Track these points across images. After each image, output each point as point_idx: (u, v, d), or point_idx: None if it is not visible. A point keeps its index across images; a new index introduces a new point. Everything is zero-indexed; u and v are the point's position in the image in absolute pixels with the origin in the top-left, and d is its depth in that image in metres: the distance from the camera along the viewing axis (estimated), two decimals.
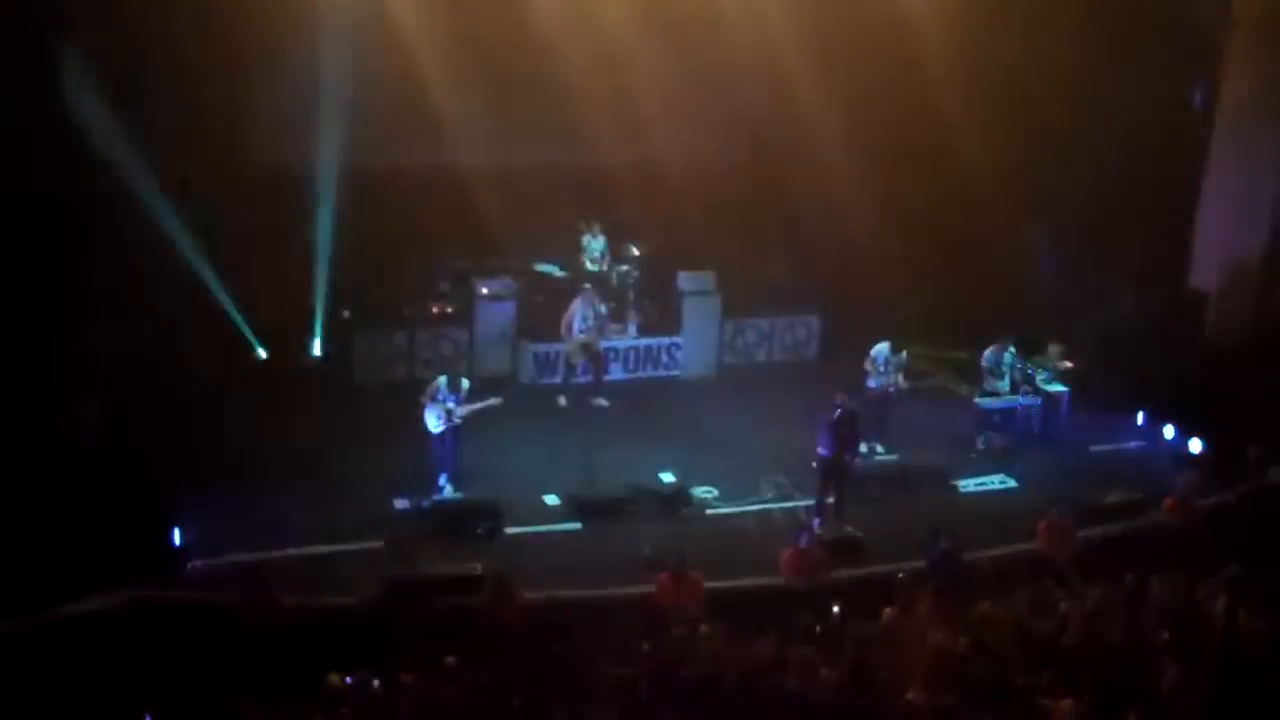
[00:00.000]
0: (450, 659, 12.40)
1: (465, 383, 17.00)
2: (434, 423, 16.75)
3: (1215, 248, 20.83)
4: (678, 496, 17.17)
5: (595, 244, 21.12)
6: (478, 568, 15.01)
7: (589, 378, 19.99)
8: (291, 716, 11.81)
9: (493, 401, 17.05)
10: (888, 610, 13.72)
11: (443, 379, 16.89)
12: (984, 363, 19.29)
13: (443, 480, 16.86)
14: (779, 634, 13.12)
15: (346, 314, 19.95)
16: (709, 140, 22.78)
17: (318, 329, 19.53)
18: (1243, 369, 19.71)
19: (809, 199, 21.96)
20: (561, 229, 21.32)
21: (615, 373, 20.71)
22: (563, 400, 19.88)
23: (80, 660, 13.39)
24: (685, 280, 21.59)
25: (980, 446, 19.11)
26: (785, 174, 22.14)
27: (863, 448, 18.25)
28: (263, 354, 19.11)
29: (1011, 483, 18.53)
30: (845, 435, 16.74)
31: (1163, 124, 21.16)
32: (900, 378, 18.83)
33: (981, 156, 21.27)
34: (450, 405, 16.71)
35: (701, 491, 17.44)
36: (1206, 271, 20.85)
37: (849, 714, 11.67)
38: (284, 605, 13.97)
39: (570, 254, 21.25)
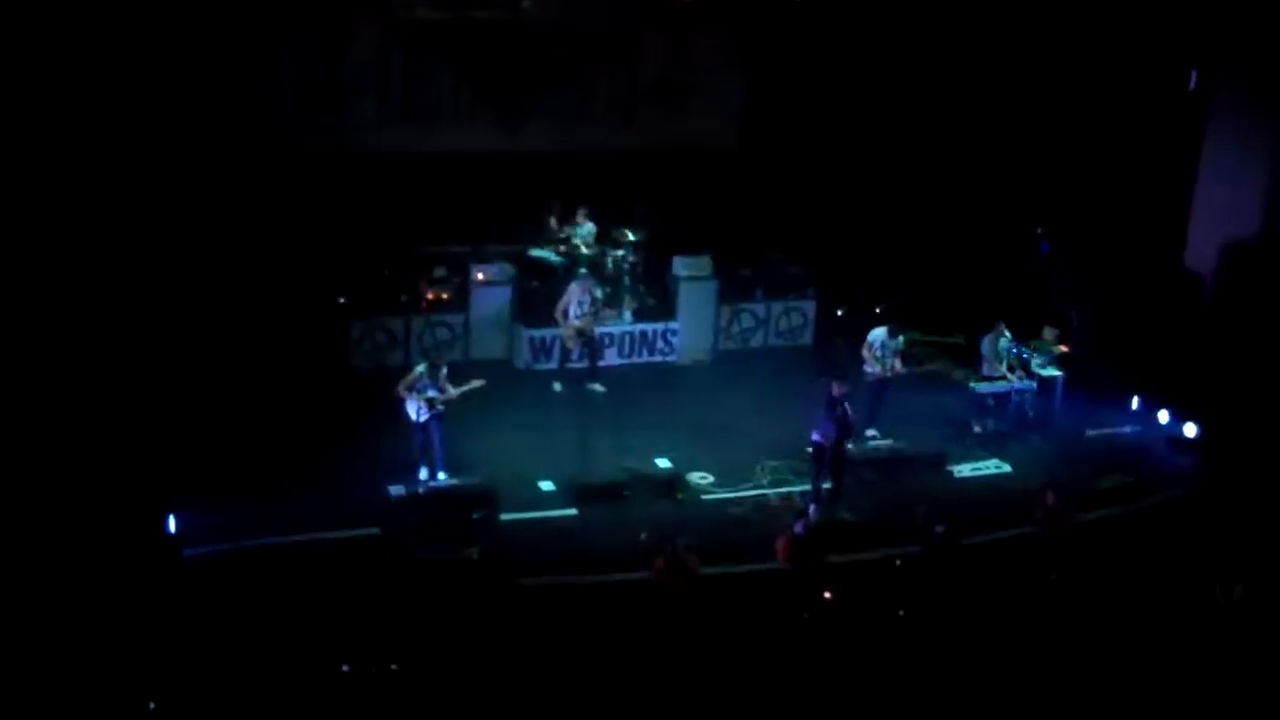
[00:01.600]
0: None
1: (444, 367, 16.95)
2: (415, 411, 16.73)
3: (1211, 230, 20.81)
4: (674, 482, 17.16)
5: (582, 230, 21.09)
6: (474, 553, 15.05)
7: (585, 363, 19.97)
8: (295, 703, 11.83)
9: (476, 384, 17.01)
10: None
11: (421, 367, 16.85)
12: (982, 349, 19.28)
13: (423, 470, 16.82)
14: None
15: (342, 300, 19.91)
16: (707, 125, 22.78)
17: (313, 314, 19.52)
18: (1239, 351, 19.70)
19: (806, 182, 21.97)
20: (555, 214, 21.32)
21: (611, 358, 20.68)
22: (558, 386, 19.87)
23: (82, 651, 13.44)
24: (681, 265, 21.58)
25: (976, 431, 19.12)
26: (783, 157, 22.15)
27: (870, 432, 18.36)
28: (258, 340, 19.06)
29: (1007, 467, 18.55)
30: (841, 421, 16.75)
31: (1158, 106, 21.18)
32: (897, 363, 18.82)
33: (978, 140, 21.34)
34: (431, 394, 16.66)
35: (697, 477, 17.44)
36: (1202, 253, 20.83)
37: None
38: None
39: (563, 239, 21.23)
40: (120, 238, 17.77)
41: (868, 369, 18.64)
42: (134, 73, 17.73)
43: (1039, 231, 23.04)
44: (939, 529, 15.46)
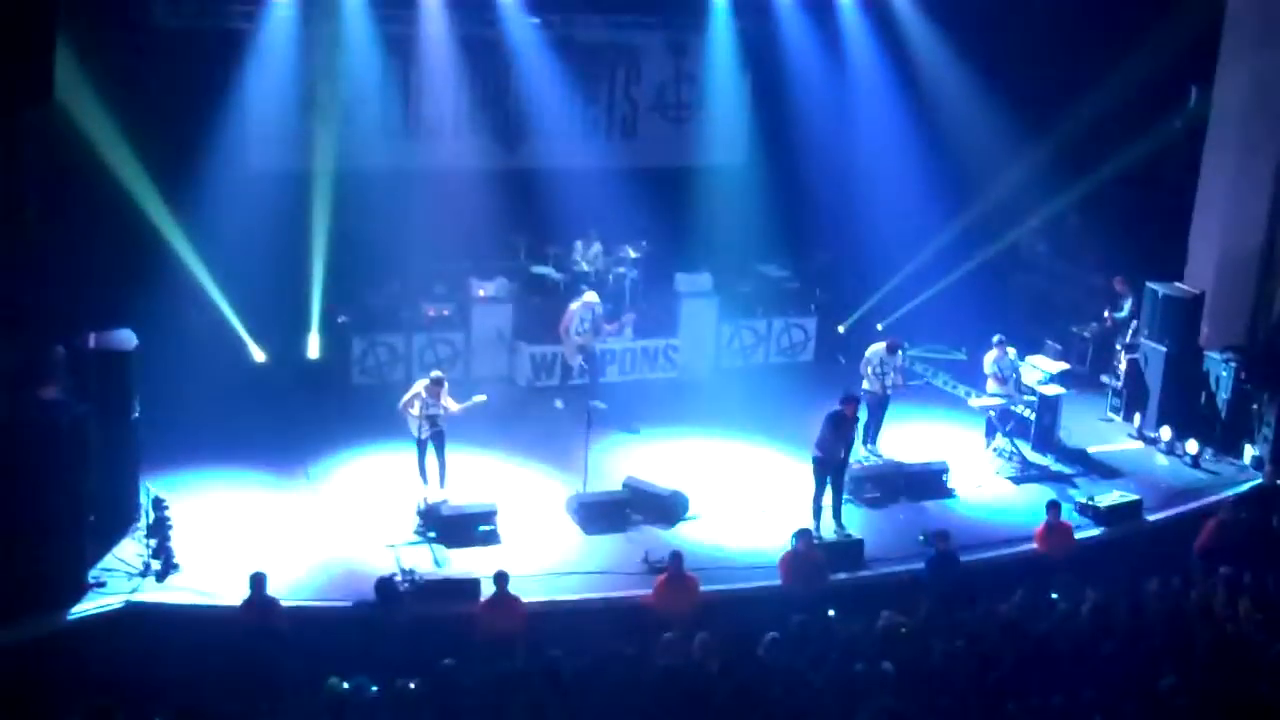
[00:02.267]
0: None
1: (445, 383, 16.94)
2: (417, 428, 16.72)
3: (1211, 247, 20.80)
4: (675, 499, 17.13)
5: (589, 252, 21.15)
6: (475, 572, 15.03)
7: (586, 379, 19.95)
8: None
9: (478, 400, 17.01)
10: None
11: (421, 384, 16.86)
12: (987, 367, 19.24)
13: (424, 488, 16.79)
14: None
15: (343, 319, 19.92)
16: (706, 140, 22.79)
17: (315, 330, 19.48)
18: (1240, 368, 19.68)
19: (809, 198, 21.98)
20: (559, 231, 21.30)
21: (612, 374, 20.66)
22: (560, 403, 19.86)
23: (79, 664, 13.42)
24: (683, 282, 21.59)
25: (982, 448, 19.12)
26: (786, 172, 22.14)
27: (871, 449, 18.38)
28: (260, 356, 19.06)
29: (1008, 484, 18.54)
30: (846, 438, 16.72)
31: (1159, 122, 21.18)
32: (897, 379, 18.80)
33: (978, 157, 21.33)
34: (432, 411, 16.66)
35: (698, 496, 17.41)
36: (1203, 270, 20.83)
37: None
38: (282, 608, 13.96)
39: (566, 256, 21.25)
40: (119, 249, 17.77)
41: (867, 385, 18.61)
42: (132, 86, 17.75)
43: (1041, 249, 22.92)
44: (940, 546, 15.46)
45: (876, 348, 18.82)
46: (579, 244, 21.18)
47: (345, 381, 19.74)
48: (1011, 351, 19.29)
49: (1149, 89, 20.64)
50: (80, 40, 16.54)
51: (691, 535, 16.56)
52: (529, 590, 14.70)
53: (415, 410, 16.64)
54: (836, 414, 16.70)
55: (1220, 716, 11.95)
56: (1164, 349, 19.89)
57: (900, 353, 18.94)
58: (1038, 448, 19.17)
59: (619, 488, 17.19)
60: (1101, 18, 21.26)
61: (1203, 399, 19.88)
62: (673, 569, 14.73)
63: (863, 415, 17.76)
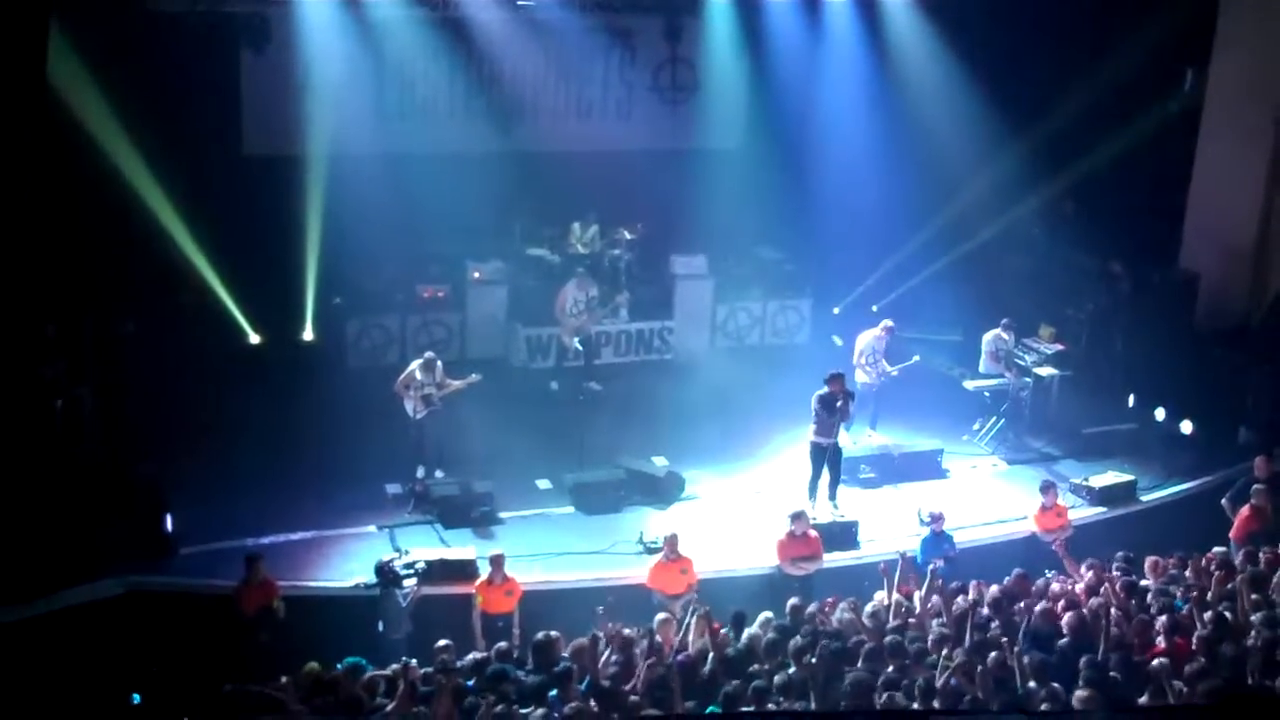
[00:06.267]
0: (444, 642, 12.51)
1: (439, 364, 16.96)
2: (412, 409, 16.71)
3: (1207, 229, 20.82)
4: (671, 480, 17.16)
5: (586, 234, 21.13)
6: (473, 552, 15.06)
7: (581, 361, 19.94)
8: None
9: (472, 379, 17.01)
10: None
11: (416, 364, 16.86)
12: (985, 345, 19.23)
13: (420, 469, 16.83)
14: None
15: (338, 300, 19.91)
16: (703, 122, 22.74)
17: (310, 312, 19.47)
18: (1234, 350, 19.71)
19: (804, 180, 21.94)
20: (554, 213, 21.27)
21: (607, 356, 20.66)
22: (555, 384, 19.86)
23: (77, 648, 13.43)
24: (678, 263, 21.58)
25: (974, 429, 19.15)
26: (781, 155, 22.10)
27: (869, 431, 18.40)
28: (255, 338, 19.04)
29: (1003, 465, 18.57)
30: (840, 415, 16.68)
31: (1154, 105, 21.18)
32: (885, 365, 18.71)
33: (974, 141, 21.31)
34: (428, 391, 16.67)
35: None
36: (1199, 252, 20.85)
37: None
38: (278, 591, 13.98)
39: (562, 238, 21.22)
40: (114, 234, 17.75)
41: (863, 379, 18.47)
42: (127, 70, 17.72)
43: (1036, 232, 22.92)
44: (936, 528, 15.50)
45: (865, 337, 18.72)
46: (576, 226, 21.13)
47: (340, 363, 19.72)
48: (1009, 338, 19.28)
49: (1144, 72, 20.61)
50: (75, 24, 16.55)
51: (687, 516, 16.59)
52: (525, 570, 14.73)
53: (410, 392, 16.66)
54: (825, 395, 16.64)
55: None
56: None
57: (888, 336, 18.81)
58: (1032, 428, 19.20)
59: (615, 468, 17.20)
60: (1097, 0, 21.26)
61: (1197, 380, 19.89)
62: (668, 550, 14.75)
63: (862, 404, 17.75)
